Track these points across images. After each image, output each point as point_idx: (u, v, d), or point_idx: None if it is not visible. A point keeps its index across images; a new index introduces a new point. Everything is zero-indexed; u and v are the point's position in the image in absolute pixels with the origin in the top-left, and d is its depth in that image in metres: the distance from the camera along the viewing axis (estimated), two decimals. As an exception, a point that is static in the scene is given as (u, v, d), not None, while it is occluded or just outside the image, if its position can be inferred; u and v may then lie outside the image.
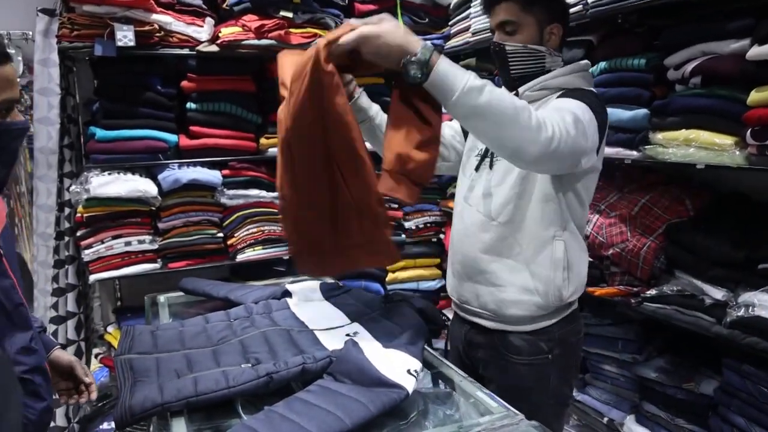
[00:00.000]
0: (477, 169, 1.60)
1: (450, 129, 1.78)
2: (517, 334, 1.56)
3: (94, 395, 1.49)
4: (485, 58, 2.93)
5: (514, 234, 1.52)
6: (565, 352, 1.59)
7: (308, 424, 1.06)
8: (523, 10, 1.48)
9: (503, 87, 1.57)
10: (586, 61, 1.63)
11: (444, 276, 3.42)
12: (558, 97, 1.48)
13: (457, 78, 1.18)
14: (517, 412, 1.20)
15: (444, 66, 1.17)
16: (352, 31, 1.21)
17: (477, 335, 1.64)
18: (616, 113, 2.06)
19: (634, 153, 2.03)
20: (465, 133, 1.76)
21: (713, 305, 1.80)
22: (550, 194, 1.49)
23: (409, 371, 1.23)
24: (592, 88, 1.56)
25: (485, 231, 1.55)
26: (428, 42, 1.21)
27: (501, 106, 1.21)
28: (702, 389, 1.93)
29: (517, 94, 1.53)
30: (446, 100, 1.20)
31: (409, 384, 1.21)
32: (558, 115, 1.30)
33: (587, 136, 1.34)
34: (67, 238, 2.71)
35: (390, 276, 3.31)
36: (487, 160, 1.58)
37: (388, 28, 1.19)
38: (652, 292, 1.98)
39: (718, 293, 1.79)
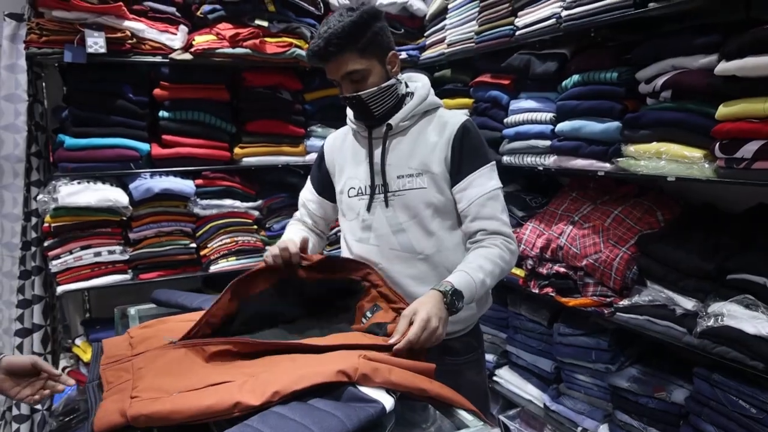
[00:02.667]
0: (369, 209, 1.61)
1: (313, 202, 1.80)
2: (454, 339, 1.63)
3: (71, 381, 1.38)
4: (460, 69, 2.95)
5: (443, 262, 1.59)
6: (481, 341, 1.76)
7: (283, 439, 1.04)
8: (363, 56, 1.48)
9: (370, 130, 1.60)
10: (425, 79, 1.69)
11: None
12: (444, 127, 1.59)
13: (472, 293, 1.42)
14: (492, 424, 1.20)
15: (466, 300, 1.41)
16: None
17: None
18: (589, 125, 2.09)
19: (607, 165, 2.06)
20: (320, 191, 1.78)
21: (684, 315, 1.83)
22: (456, 219, 1.62)
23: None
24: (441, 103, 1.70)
25: (410, 266, 1.59)
26: (453, 299, 1.38)
27: (499, 273, 1.51)
28: (673, 398, 1.95)
29: (390, 127, 1.57)
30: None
31: (386, 399, 1.20)
32: (500, 209, 1.58)
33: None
34: (33, 249, 2.63)
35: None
36: (380, 199, 1.60)
37: (434, 324, 1.33)
38: (625, 302, 2.01)
39: (688, 303, 1.82)
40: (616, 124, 2.00)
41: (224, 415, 1.10)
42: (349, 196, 1.65)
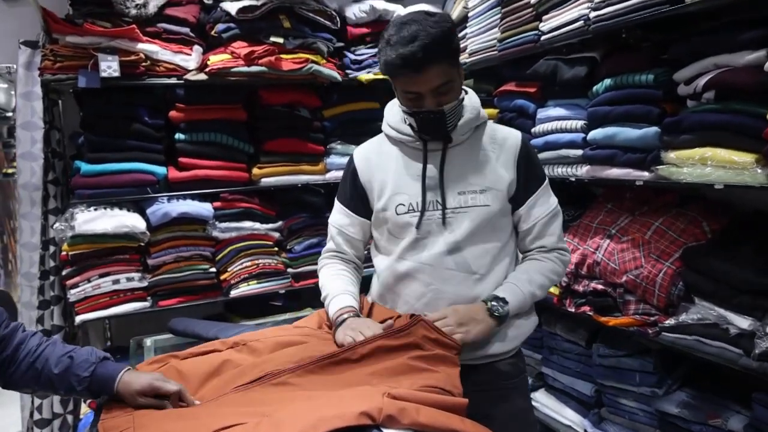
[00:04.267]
0: (418, 228, 1.50)
1: (351, 225, 1.64)
2: (504, 361, 1.55)
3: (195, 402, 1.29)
4: (483, 79, 2.84)
5: (497, 281, 1.52)
6: (524, 363, 1.68)
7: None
8: (452, 66, 1.41)
9: (425, 143, 1.52)
10: (471, 91, 1.59)
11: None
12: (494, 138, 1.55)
13: (520, 303, 1.48)
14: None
15: (513, 307, 1.46)
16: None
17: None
18: (624, 132, 1.96)
19: (646, 174, 1.92)
20: (357, 211, 1.63)
21: (739, 335, 1.67)
22: (510, 236, 1.57)
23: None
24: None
25: (465, 287, 1.50)
26: (493, 304, 1.44)
27: (548, 285, 1.57)
28: (730, 426, 1.79)
29: (450, 141, 1.50)
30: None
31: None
32: (560, 225, 1.58)
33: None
34: (52, 278, 2.58)
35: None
36: (434, 216, 1.49)
37: (479, 329, 1.42)
38: (671, 321, 1.85)
39: (744, 322, 1.66)
40: (654, 129, 1.86)
41: None
42: (397, 214, 1.53)
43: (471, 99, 1.54)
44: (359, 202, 1.61)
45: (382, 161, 1.58)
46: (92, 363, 1.27)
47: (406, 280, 1.54)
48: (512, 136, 1.56)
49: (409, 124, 1.50)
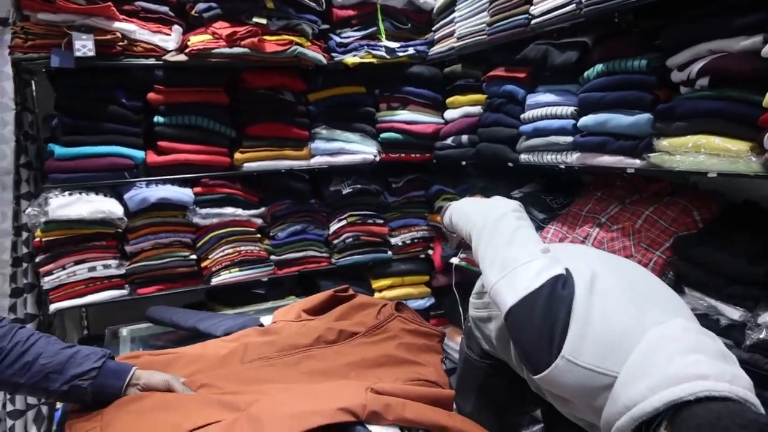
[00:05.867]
0: None
1: None
2: None
3: None
4: (472, 64, 2.78)
5: None
6: None
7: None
8: None
9: None
10: None
11: (434, 293, 3.26)
12: None
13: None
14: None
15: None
16: None
17: None
18: (616, 119, 1.91)
19: (637, 161, 1.87)
20: None
21: (730, 326, 1.64)
22: None
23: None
24: None
25: None
26: None
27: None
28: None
29: None
30: None
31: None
32: None
33: None
34: (25, 265, 2.49)
35: (376, 295, 3.13)
36: None
37: None
38: (661, 311, 1.82)
39: (735, 313, 1.63)
40: (646, 116, 1.82)
41: None
42: None
43: None
44: None
45: None
46: (101, 356, 1.19)
47: None
48: None
49: None
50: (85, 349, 1.22)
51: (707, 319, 1.71)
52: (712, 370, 1.01)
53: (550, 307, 1.14)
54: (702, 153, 1.64)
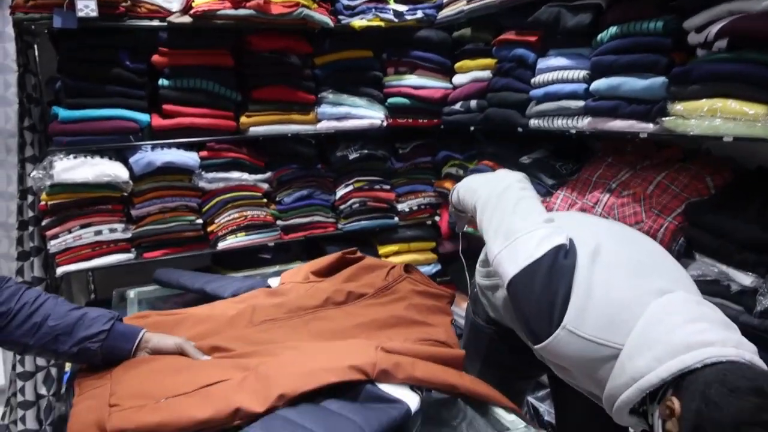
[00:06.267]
0: None
1: None
2: None
3: None
4: (481, 28, 2.73)
5: None
6: None
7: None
8: None
9: None
10: None
11: (440, 260, 3.25)
12: None
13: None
14: (535, 425, 1.04)
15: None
16: None
17: None
18: (629, 82, 1.87)
19: (650, 126, 1.84)
20: None
21: (740, 292, 1.63)
22: None
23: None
24: None
25: None
26: None
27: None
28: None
29: None
30: None
31: (411, 398, 1.04)
32: None
33: None
34: (31, 228, 2.50)
35: (382, 262, 3.13)
36: None
37: None
38: (670, 278, 1.81)
39: (746, 279, 1.62)
40: (661, 79, 1.78)
41: (223, 426, 0.95)
42: None
43: None
44: None
45: None
46: (110, 318, 1.18)
47: None
48: None
49: None
50: (93, 311, 1.21)
51: (718, 285, 1.70)
52: (717, 337, 1.01)
53: (551, 277, 1.13)
54: (718, 117, 1.61)
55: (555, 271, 1.14)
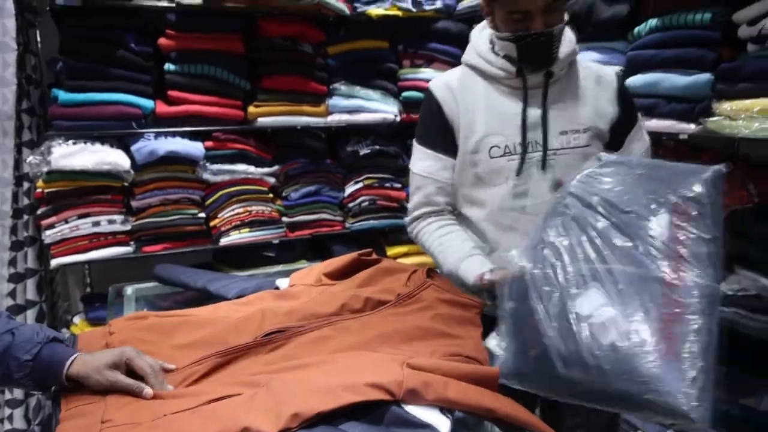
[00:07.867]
0: (519, 173, 1.38)
1: (444, 170, 1.47)
2: None
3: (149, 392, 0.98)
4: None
5: None
6: None
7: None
8: None
9: (524, 77, 1.37)
10: None
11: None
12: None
13: None
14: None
15: None
16: None
17: None
18: (671, 79, 1.76)
19: (692, 126, 1.73)
20: (448, 151, 1.46)
21: (788, 309, 1.52)
22: None
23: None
24: None
25: None
26: None
27: None
28: (764, 406, 1.66)
29: (551, 75, 1.38)
30: None
31: (441, 422, 0.91)
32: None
33: None
34: (26, 217, 2.37)
35: (391, 263, 3.01)
36: (534, 158, 1.38)
37: None
38: (708, 290, 1.69)
39: (793, 295, 1.50)
40: (706, 76, 1.67)
41: None
42: (491, 157, 1.39)
43: (566, 29, 1.39)
44: (448, 140, 1.44)
45: (467, 96, 1.42)
46: (37, 343, 0.97)
47: (510, 232, 1.41)
48: (606, 71, 1.50)
49: (505, 56, 1.36)
50: (22, 333, 0.98)
51: (761, 301, 1.58)
52: None
53: None
54: (770, 118, 1.49)
55: None
